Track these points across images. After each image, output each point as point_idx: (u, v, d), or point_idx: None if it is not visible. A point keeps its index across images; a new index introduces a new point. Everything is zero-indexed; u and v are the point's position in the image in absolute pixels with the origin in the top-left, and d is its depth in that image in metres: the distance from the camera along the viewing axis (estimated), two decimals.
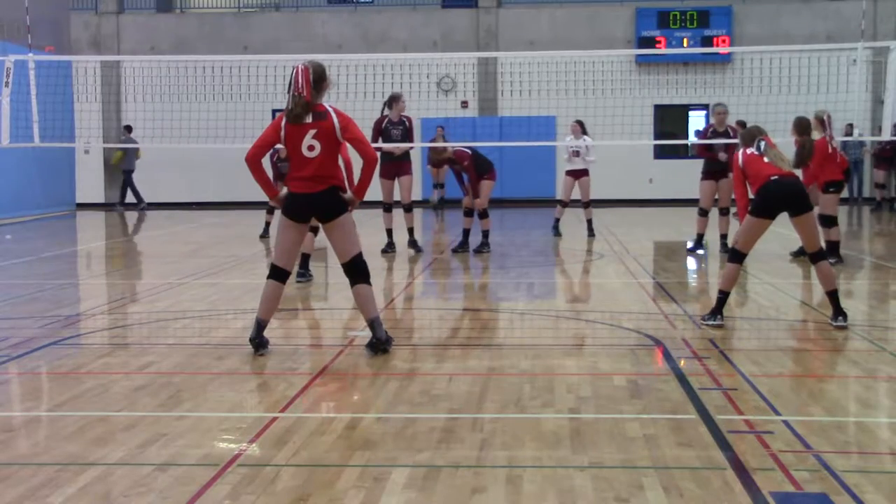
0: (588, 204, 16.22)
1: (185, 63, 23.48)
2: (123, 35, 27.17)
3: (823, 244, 12.04)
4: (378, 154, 11.85)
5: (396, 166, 13.64)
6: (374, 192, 13.89)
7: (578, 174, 16.08)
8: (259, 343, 7.01)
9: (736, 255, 8.11)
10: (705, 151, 13.47)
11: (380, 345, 6.99)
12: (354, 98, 21.90)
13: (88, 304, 9.85)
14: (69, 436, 5.02)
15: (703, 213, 13.57)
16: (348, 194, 7.07)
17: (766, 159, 7.98)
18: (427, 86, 24.31)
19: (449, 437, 4.95)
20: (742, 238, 8.08)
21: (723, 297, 8.03)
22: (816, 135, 11.97)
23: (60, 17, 25.51)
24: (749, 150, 8.10)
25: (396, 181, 13.72)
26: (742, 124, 21.09)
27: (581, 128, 16.11)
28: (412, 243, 13.80)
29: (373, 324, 7.02)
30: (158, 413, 5.46)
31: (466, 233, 13.93)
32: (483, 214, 13.81)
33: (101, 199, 26.88)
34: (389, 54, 23.52)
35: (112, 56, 25.75)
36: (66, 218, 23.17)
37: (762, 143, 8.09)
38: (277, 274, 7.04)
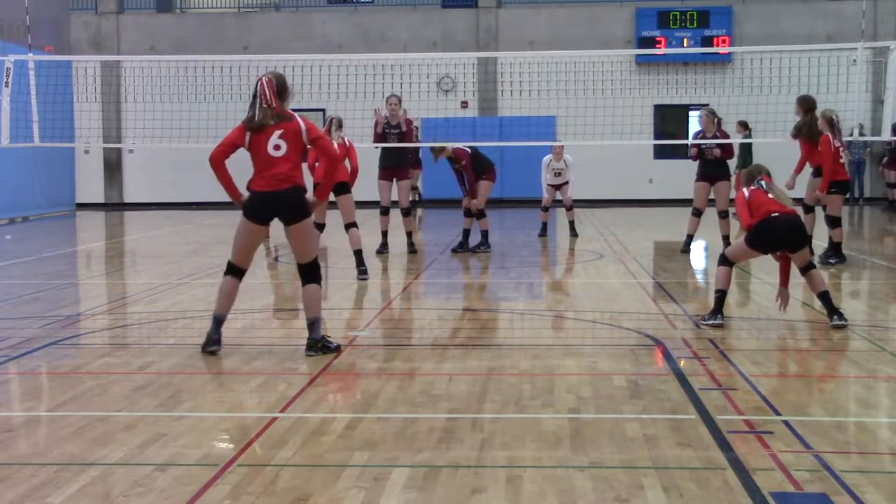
0: (570, 206, 16.30)
1: (185, 63, 23.45)
2: (123, 35, 27.16)
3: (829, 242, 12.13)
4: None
5: (395, 170, 13.65)
6: (375, 192, 13.98)
7: (558, 185, 16.23)
8: (216, 340, 7.03)
9: (725, 260, 8.16)
10: (698, 154, 13.52)
11: (316, 344, 7.01)
12: (354, 98, 21.90)
13: (88, 304, 9.85)
14: (69, 436, 5.02)
15: (697, 214, 13.60)
16: (310, 196, 7.12)
17: (770, 195, 7.97)
18: (427, 86, 24.31)
19: (449, 437, 4.95)
20: (733, 253, 8.19)
21: (721, 295, 8.03)
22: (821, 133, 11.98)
23: (60, 17, 25.50)
24: (752, 188, 8.06)
25: (395, 184, 13.73)
26: (743, 124, 21.15)
27: (562, 150, 16.34)
28: (410, 246, 13.79)
29: (313, 324, 7.05)
30: (158, 413, 5.46)
31: (466, 233, 13.94)
32: (481, 214, 13.82)
33: (101, 199, 26.87)
34: (389, 54, 23.51)
35: (112, 56, 25.73)
36: (66, 218, 23.17)
37: (763, 183, 8.07)
38: (235, 271, 7.13)
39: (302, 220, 6.98)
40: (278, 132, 6.93)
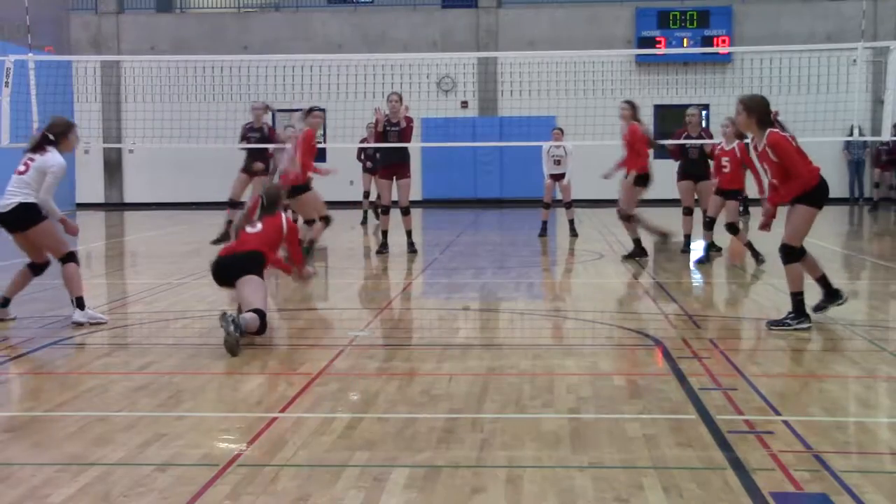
0: (570, 205, 16.42)
1: (185, 63, 23.46)
2: (123, 35, 27.17)
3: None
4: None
5: (395, 168, 13.65)
6: (360, 192, 14.00)
7: (558, 177, 16.38)
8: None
9: (793, 252, 7.60)
10: (678, 153, 13.65)
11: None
12: (354, 98, 21.91)
13: (88, 304, 9.82)
14: (69, 436, 5.02)
15: (688, 213, 13.69)
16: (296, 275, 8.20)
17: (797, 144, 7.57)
18: (427, 86, 24.30)
19: (449, 437, 4.95)
20: (800, 233, 7.60)
21: (802, 297, 7.62)
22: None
23: (60, 17, 25.53)
24: (787, 133, 7.51)
25: (395, 183, 13.75)
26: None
27: (562, 134, 16.50)
28: (410, 245, 13.76)
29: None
30: (158, 413, 5.46)
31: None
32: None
33: (101, 199, 26.89)
34: (389, 54, 23.52)
35: (112, 56, 25.74)
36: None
37: (783, 124, 7.65)
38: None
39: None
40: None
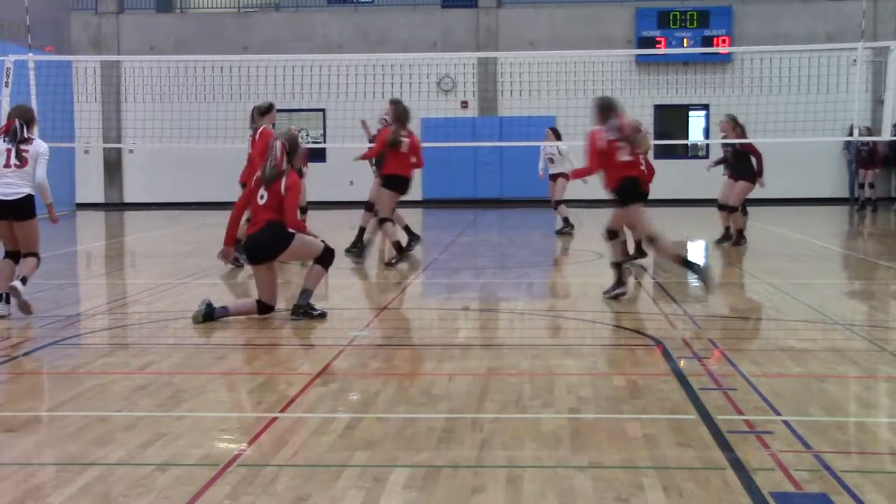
0: (556, 206, 16.56)
1: (185, 63, 23.47)
2: (123, 35, 27.17)
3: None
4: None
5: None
6: (361, 192, 14.00)
7: (555, 177, 16.73)
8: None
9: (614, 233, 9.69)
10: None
11: (298, 309, 8.29)
12: (354, 98, 21.93)
13: (88, 304, 9.85)
14: (69, 436, 5.02)
15: (720, 207, 14.48)
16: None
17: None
18: (427, 86, 24.31)
19: (449, 437, 4.95)
20: (617, 223, 9.73)
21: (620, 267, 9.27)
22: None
23: (60, 17, 25.51)
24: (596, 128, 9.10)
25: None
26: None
27: (555, 134, 16.78)
28: (414, 237, 13.57)
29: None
30: (158, 413, 5.46)
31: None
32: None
33: (101, 200, 26.88)
34: (389, 54, 23.54)
35: (112, 56, 25.74)
36: (66, 218, 23.16)
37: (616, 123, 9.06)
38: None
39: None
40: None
